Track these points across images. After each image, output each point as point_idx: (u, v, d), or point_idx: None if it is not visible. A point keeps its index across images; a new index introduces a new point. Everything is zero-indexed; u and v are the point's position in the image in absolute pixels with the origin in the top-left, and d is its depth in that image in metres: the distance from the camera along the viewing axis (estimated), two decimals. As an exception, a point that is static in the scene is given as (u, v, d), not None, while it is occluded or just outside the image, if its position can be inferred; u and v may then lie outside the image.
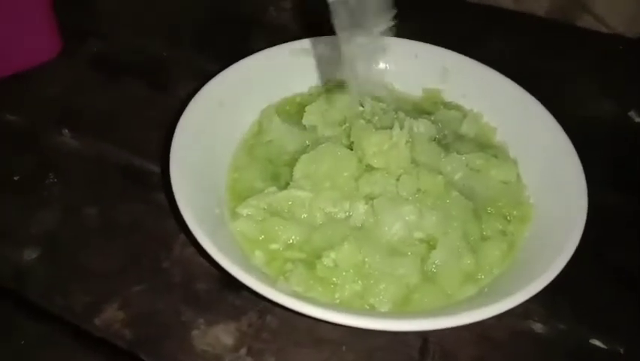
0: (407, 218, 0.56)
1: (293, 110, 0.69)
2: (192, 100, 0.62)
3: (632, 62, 0.92)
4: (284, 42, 0.72)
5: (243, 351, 0.54)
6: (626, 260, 0.65)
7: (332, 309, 0.46)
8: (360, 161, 0.60)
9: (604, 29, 0.95)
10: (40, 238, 0.62)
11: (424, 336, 0.56)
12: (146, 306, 0.57)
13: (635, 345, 0.57)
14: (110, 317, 0.56)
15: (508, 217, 0.60)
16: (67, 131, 0.74)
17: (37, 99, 0.78)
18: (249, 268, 0.51)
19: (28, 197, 0.66)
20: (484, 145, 0.66)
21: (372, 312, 0.51)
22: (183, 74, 0.81)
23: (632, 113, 0.83)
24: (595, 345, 0.57)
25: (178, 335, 0.55)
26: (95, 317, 0.56)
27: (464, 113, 0.70)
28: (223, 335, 0.55)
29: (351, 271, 0.53)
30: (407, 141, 0.60)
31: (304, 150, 0.63)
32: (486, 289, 0.53)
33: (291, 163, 0.61)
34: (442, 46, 0.73)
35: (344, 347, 0.55)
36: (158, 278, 0.59)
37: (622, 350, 0.57)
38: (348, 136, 0.63)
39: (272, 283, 0.50)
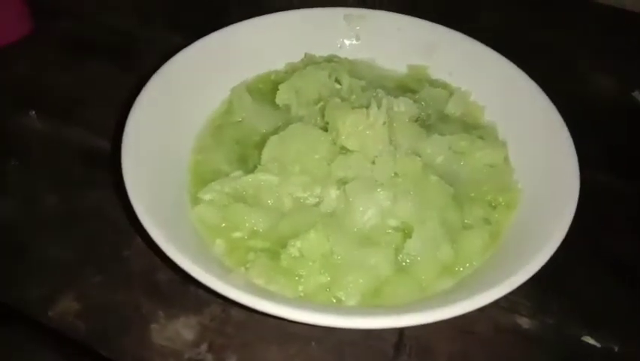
0: (381, 204, 0.51)
1: (266, 89, 0.65)
2: (153, 76, 0.57)
3: (638, 39, 0.86)
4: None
5: (204, 347, 0.51)
6: (623, 251, 0.60)
7: (289, 305, 0.41)
8: (334, 142, 0.56)
9: (609, 2, 0.89)
10: (-5, 226, 0.59)
11: (399, 330, 0.52)
12: (104, 297, 0.54)
13: (630, 343, 0.53)
14: (65, 308, 0.53)
15: (493, 203, 0.55)
16: (34, 113, 0.70)
17: (4, 80, 0.74)
18: (205, 258, 0.47)
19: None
20: (471, 125, 0.61)
21: (332, 307, 0.47)
22: (155, 54, 0.76)
23: (636, 93, 0.78)
24: (587, 343, 0.53)
25: (136, 329, 0.52)
26: (48, 308, 0.53)
27: (451, 92, 0.65)
28: (183, 330, 0.52)
29: (318, 261, 0.49)
30: (384, 122, 0.55)
31: (276, 131, 0.58)
32: (464, 282, 0.49)
33: (261, 145, 0.57)
34: (429, 19, 0.68)
35: (313, 343, 0.51)
36: (118, 268, 0.56)
37: (616, 348, 0.53)
38: (323, 116, 0.58)
39: (225, 275, 0.45)
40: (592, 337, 0.53)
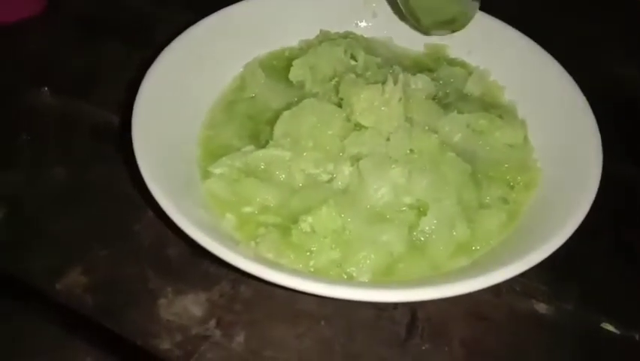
0: (395, 181, 0.50)
1: (280, 66, 0.63)
2: (163, 51, 0.56)
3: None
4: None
5: (212, 323, 0.50)
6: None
7: (298, 275, 0.40)
8: (348, 119, 0.55)
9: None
10: (7, 198, 0.58)
11: (412, 312, 0.51)
12: (112, 271, 0.53)
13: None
14: (72, 281, 0.52)
15: (512, 183, 0.54)
16: (46, 89, 0.70)
17: (18, 56, 0.74)
18: (215, 231, 0.46)
19: (-1, 155, 0.62)
20: (490, 105, 0.60)
21: (343, 281, 0.46)
22: (168, 32, 0.75)
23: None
24: (606, 329, 0.51)
25: (143, 304, 0.51)
26: (55, 281, 0.52)
27: (469, 71, 0.63)
28: (192, 305, 0.51)
29: (329, 237, 0.48)
30: (400, 98, 0.54)
31: (289, 107, 0.57)
32: (479, 261, 0.47)
33: (273, 121, 0.56)
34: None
35: (323, 322, 0.50)
36: (128, 242, 0.55)
37: (637, 336, 0.51)
38: (338, 92, 0.57)
39: (233, 246, 0.44)
40: (611, 324, 0.52)
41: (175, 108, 0.54)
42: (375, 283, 0.46)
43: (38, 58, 0.74)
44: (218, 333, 0.49)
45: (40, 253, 0.54)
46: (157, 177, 0.45)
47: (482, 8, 0.64)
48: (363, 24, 0.68)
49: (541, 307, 0.52)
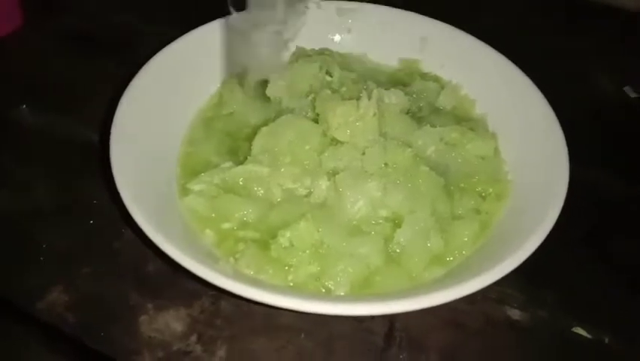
0: (371, 195, 0.51)
1: (257, 82, 0.64)
2: (142, 68, 0.57)
3: (630, 36, 0.87)
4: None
5: (193, 339, 0.50)
6: (615, 244, 0.60)
7: (276, 291, 0.41)
8: (324, 134, 0.56)
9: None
10: (-15, 218, 0.58)
11: (389, 323, 0.52)
12: (93, 289, 0.53)
13: (621, 334, 0.53)
14: (54, 300, 0.52)
15: (484, 194, 0.55)
16: (25, 107, 0.70)
17: (-4, 73, 0.74)
18: (195, 248, 0.47)
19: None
20: (462, 118, 0.61)
21: (321, 295, 0.47)
22: (151, 48, 0.76)
23: (627, 89, 0.78)
24: (578, 334, 0.53)
25: (124, 320, 0.51)
26: (37, 300, 0.52)
27: (442, 85, 0.65)
28: (173, 321, 0.52)
29: (308, 251, 0.49)
30: (375, 113, 0.55)
31: (267, 123, 0.58)
32: (454, 271, 0.49)
33: (252, 137, 0.57)
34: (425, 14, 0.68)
35: (302, 335, 0.51)
36: (107, 260, 0.55)
37: (607, 340, 0.53)
38: (314, 108, 0.58)
39: (213, 263, 0.45)
40: (583, 328, 0.53)
41: (153, 126, 0.55)
42: (353, 295, 0.47)
43: (16, 75, 0.74)
44: (199, 348, 0.50)
45: (21, 272, 0.54)
46: (135, 196, 0.46)
47: (454, 23, 0.67)
48: (337, 39, 0.70)
49: (515, 314, 0.54)
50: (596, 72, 0.80)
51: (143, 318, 0.51)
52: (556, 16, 0.89)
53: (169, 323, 0.51)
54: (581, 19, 0.89)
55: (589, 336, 0.53)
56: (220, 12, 0.75)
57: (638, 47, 0.84)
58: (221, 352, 0.50)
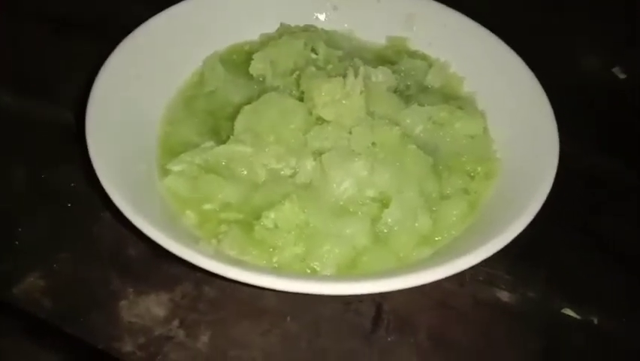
0: (358, 174, 0.50)
1: (240, 60, 0.63)
2: (118, 45, 0.55)
3: (619, 16, 0.86)
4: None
5: (175, 323, 0.49)
6: (604, 225, 0.60)
7: (260, 271, 0.40)
8: (309, 113, 0.54)
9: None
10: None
11: (377, 305, 0.51)
12: (71, 274, 0.52)
13: (609, 315, 0.53)
14: (30, 285, 0.51)
15: (472, 173, 0.54)
16: (3, 89, 0.67)
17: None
18: (175, 229, 0.45)
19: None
20: (450, 96, 0.60)
21: (307, 275, 0.45)
22: (130, 29, 0.74)
23: (616, 70, 0.77)
24: (567, 315, 0.52)
25: (104, 306, 0.50)
26: (12, 285, 0.50)
27: (430, 63, 0.63)
28: (154, 306, 0.50)
29: (293, 232, 0.47)
30: (362, 91, 0.53)
31: (250, 102, 0.56)
32: (441, 251, 0.48)
33: (234, 116, 0.55)
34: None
35: (288, 318, 0.50)
36: (86, 244, 0.54)
37: (596, 320, 0.52)
38: (299, 86, 0.56)
39: (193, 244, 0.44)
40: (572, 309, 0.53)
41: (131, 106, 0.53)
42: (339, 275, 0.46)
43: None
44: (182, 333, 0.48)
45: (-4, 257, 0.52)
46: (113, 178, 0.44)
47: (442, 0, 0.65)
48: (323, 17, 0.68)
49: (504, 295, 0.53)
50: (584, 53, 0.79)
51: (123, 303, 0.50)
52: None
53: (150, 307, 0.50)
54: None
55: (578, 317, 0.53)
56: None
57: (629, 29, 0.84)
58: (205, 337, 0.48)
